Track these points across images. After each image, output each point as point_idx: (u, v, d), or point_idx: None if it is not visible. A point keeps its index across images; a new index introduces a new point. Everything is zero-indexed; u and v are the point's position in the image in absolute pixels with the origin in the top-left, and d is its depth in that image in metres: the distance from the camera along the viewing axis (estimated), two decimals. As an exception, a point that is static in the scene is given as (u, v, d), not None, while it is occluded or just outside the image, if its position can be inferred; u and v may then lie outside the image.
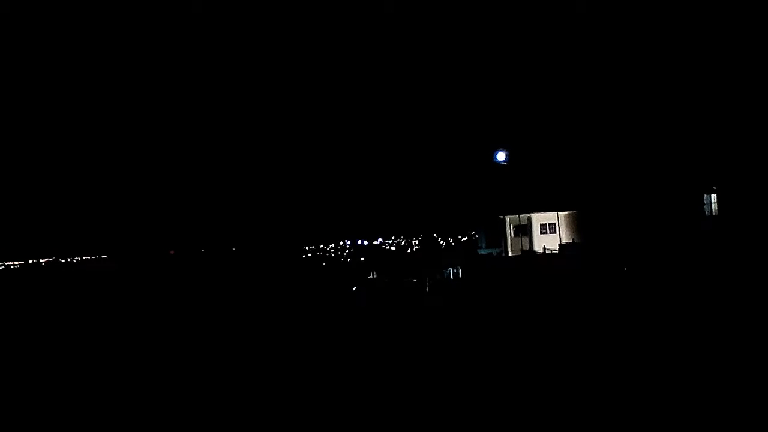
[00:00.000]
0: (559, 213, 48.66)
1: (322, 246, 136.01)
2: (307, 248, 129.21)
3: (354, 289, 29.49)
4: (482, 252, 53.02)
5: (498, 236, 52.15)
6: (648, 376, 11.11)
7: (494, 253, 50.39)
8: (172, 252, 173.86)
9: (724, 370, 11.28)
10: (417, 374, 12.19)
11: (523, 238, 49.21)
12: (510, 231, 50.32)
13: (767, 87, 38.74)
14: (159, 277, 56.11)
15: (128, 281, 53.66)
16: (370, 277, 35.55)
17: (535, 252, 45.92)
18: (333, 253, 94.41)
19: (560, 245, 43.51)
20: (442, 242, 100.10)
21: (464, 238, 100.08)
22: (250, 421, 10.04)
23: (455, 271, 33.27)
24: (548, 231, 48.62)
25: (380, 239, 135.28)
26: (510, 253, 49.18)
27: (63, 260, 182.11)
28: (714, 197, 40.80)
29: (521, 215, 49.25)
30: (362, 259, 60.18)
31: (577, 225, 48.27)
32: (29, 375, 14.84)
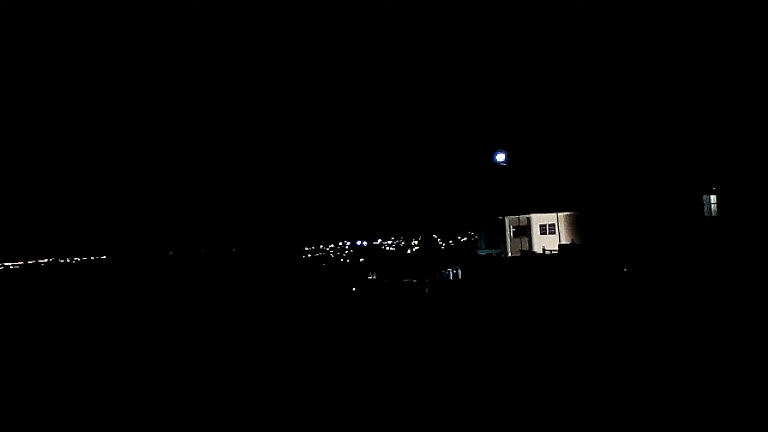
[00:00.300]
0: (558, 214, 48.66)
1: (321, 246, 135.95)
2: (306, 249, 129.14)
3: (353, 289, 29.48)
4: (482, 253, 53.03)
5: (497, 237, 52.19)
6: (646, 376, 11.11)
7: (494, 254, 50.39)
8: (171, 253, 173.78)
9: (724, 370, 11.28)
10: (415, 373, 12.19)
11: (522, 239, 49.21)
12: (509, 232, 50.32)
13: (766, 87, 38.74)
14: (158, 278, 56.07)
15: (128, 282, 53.62)
16: (370, 277, 35.55)
17: (534, 253, 45.91)
18: (332, 253, 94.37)
19: (560, 246, 43.47)
20: (441, 243, 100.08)
21: (464, 239, 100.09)
22: (248, 419, 10.04)
23: (455, 271, 33.27)
24: (548, 232, 48.62)
25: (379, 240, 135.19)
26: (509, 254, 49.18)
27: (62, 261, 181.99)
28: (713, 198, 40.79)
29: (521, 216, 49.27)
30: (362, 259, 60.18)
31: (576, 226, 48.26)
32: (29, 376, 14.83)
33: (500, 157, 49.92)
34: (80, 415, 10.98)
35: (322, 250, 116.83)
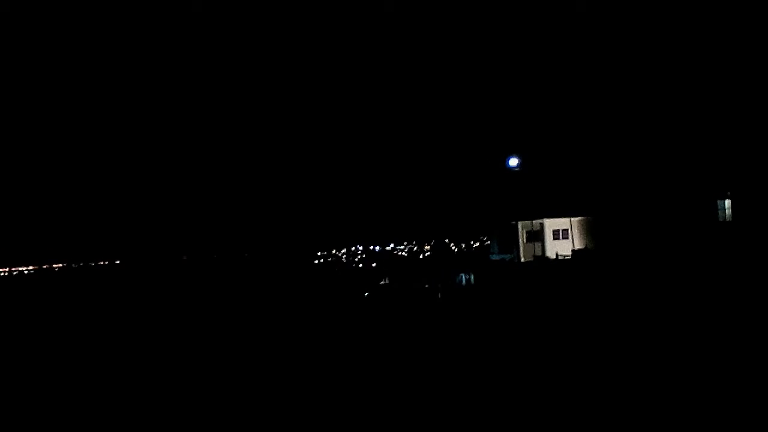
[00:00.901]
0: (571, 219, 48.46)
1: (334, 251, 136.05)
2: (319, 254, 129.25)
3: (366, 294, 29.49)
4: (494, 258, 52.85)
5: (510, 242, 51.99)
6: (659, 381, 11.05)
7: (506, 259, 50.22)
8: (184, 257, 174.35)
9: (737, 376, 11.19)
10: (425, 380, 12.17)
11: (535, 244, 49.02)
12: (522, 237, 50.15)
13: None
14: (172, 283, 56.29)
15: (142, 287, 53.86)
16: (382, 282, 35.54)
17: (547, 258, 45.73)
18: (345, 258, 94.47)
19: (573, 251, 43.30)
20: (454, 248, 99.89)
21: (476, 244, 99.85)
22: (257, 421, 10.07)
23: (467, 277, 33.21)
24: (561, 237, 48.39)
25: (392, 245, 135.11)
26: (522, 260, 49.01)
27: (75, 265, 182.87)
28: (728, 203, 40.50)
29: (534, 221, 49.09)
30: (374, 264, 60.19)
31: (590, 231, 48.04)
32: (34, 377, 14.91)
33: (513, 161, 49.81)
34: (89, 416, 11.04)
35: (335, 255, 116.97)
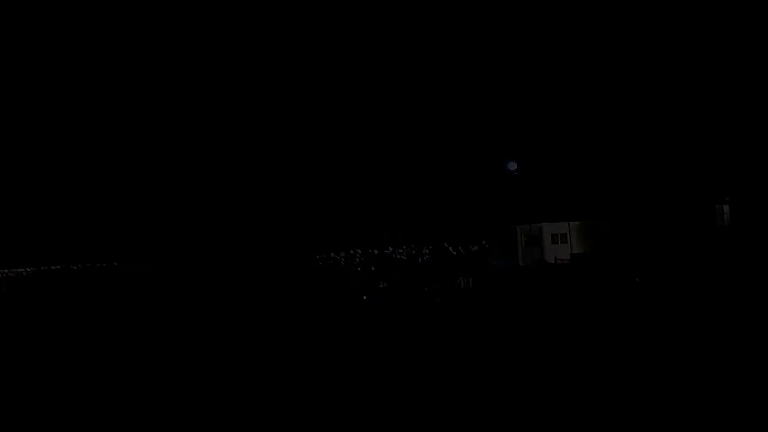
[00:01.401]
0: (570, 223, 48.42)
1: (333, 254, 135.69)
2: (318, 257, 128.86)
3: (364, 297, 29.49)
4: (493, 262, 52.79)
5: (509, 246, 51.91)
6: (658, 382, 11.07)
7: (505, 263, 50.15)
8: (183, 258, 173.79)
9: (737, 377, 11.21)
10: (424, 380, 12.19)
11: (534, 249, 48.96)
12: (521, 241, 50.11)
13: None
14: (171, 284, 56.23)
15: (141, 288, 53.82)
16: (381, 286, 35.52)
17: (546, 262, 45.71)
18: (344, 261, 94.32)
19: (572, 255, 43.27)
20: (453, 252, 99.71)
21: (475, 248, 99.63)
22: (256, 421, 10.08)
23: (466, 280, 33.20)
24: (559, 241, 48.34)
25: (391, 248, 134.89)
26: (521, 264, 48.96)
27: (74, 267, 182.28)
28: (727, 208, 40.50)
29: (532, 225, 49.05)
30: (373, 268, 60.14)
31: (588, 235, 47.99)
32: (35, 377, 14.91)
33: (512, 166, 49.84)
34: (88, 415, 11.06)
35: (334, 258, 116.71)
